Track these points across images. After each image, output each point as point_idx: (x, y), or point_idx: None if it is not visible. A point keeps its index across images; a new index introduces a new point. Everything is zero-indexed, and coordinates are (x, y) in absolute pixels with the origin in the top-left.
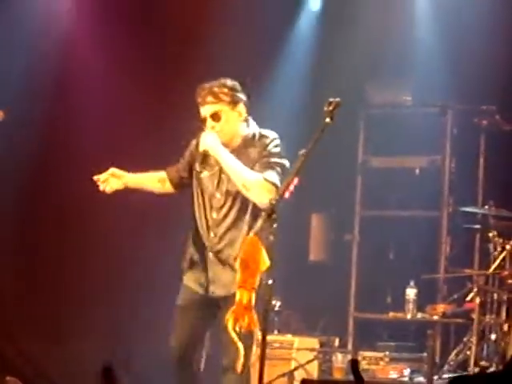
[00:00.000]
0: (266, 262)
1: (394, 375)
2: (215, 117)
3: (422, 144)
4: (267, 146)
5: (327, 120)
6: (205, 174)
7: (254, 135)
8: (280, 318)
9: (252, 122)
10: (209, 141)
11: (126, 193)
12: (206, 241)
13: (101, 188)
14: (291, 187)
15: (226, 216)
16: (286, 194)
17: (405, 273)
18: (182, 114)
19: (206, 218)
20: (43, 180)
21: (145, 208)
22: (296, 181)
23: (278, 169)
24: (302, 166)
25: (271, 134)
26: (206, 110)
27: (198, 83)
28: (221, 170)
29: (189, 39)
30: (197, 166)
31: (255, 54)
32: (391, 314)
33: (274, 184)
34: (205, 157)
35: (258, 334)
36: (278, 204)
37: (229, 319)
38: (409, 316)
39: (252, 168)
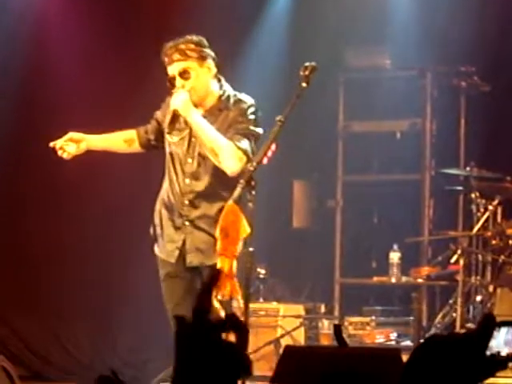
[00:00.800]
0: (246, 229)
1: (380, 339)
2: (184, 74)
3: (402, 107)
4: (243, 111)
5: (303, 85)
6: (174, 138)
7: (228, 97)
8: (265, 286)
9: (226, 84)
10: (179, 100)
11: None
12: (180, 209)
13: (59, 154)
14: (269, 153)
15: (198, 181)
16: (264, 161)
17: (389, 237)
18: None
19: (178, 184)
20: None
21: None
22: (274, 147)
23: (252, 137)
24: (279, 132)
25: (248, 100)
26: (173, 69)
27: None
28: (191, 133)
29: (166, 7)
30: (165, 129)
31: (234, 19)
32: (376, 279)
33: (245, 152)
34: (174, 118)
35: (241, 302)
36: (256, 171)
37: None
38: (393, 280)
39: (225, 133)
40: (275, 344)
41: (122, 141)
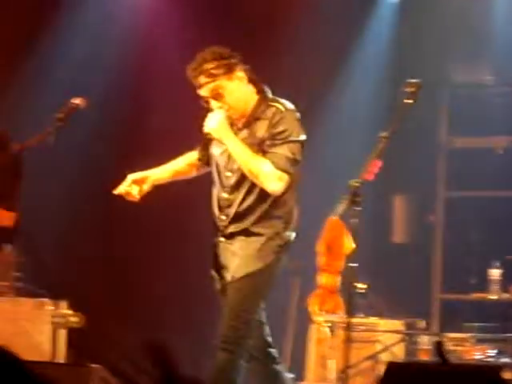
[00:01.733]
0: (350, 245)
1: (479, 356)
2: (217, 96)
3: (504, 123)
4: (282, 118)
5: (408, 101)
6: (216, 150)
7: (266, 103)
8: (365, 301)
9: (265, 88)
10: (213, 122)
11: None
12: (218, 223)
13: (127, 199)
14: (375, 170)
15: (236, 196)
16: (370, 177)
17: (489, 253)
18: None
19: (218, 197)
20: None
21: None
22: (379, 163)
23: (293, 147)
24: (384, 148)
25: (287, 105)
26: (204, 92)
27: (281, 73)
28: None
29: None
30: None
31: (339, 30)
32: (476, 295)
33: (284, 170)
34: (208, 140)
35: (343, 317)
36: (361, 187)
37: (314, 303)
38: (493, 296)
39: (263, 142)
40: (374, 359)
41: (186, 166)
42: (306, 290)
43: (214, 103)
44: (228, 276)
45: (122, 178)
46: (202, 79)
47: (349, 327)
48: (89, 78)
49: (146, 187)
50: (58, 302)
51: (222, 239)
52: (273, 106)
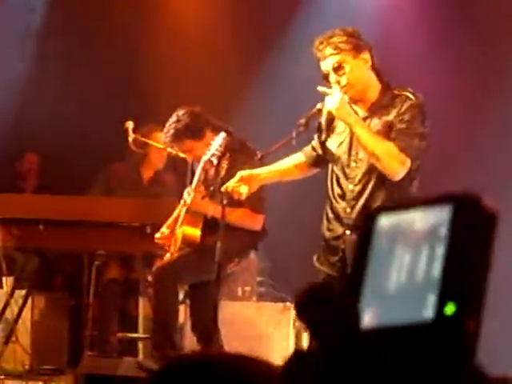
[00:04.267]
0: None
1: None
2: (338, 69)
3: None
4: (409, 109)
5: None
6: (333, 142)
7: (392, 91)
8: None
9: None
10: (334, 101)
11: None
12: (344, 217)
13: (235, 197)
14: None
15: (364, 187)
16: None
17: None
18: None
19: (342, 190)
20: None
21: None
22: None
23: (418, 138)
24: None
25: (415, 95)
26: (326, 64)
27: None
28: (352, 134)
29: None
30: (323, 135)
31: None
32: None
33: (408, 154)
34: (330, 121)
35: None
36: None
37: None
38: None
39: (389, 132)
40: None
41: (293, 167)
42: None
43: (332, 77)
44: None
45: None
46: (328, 50)
47: None
48: None
49: (253, 187)
50: None
51: (348, 233)
52: (401, 94)
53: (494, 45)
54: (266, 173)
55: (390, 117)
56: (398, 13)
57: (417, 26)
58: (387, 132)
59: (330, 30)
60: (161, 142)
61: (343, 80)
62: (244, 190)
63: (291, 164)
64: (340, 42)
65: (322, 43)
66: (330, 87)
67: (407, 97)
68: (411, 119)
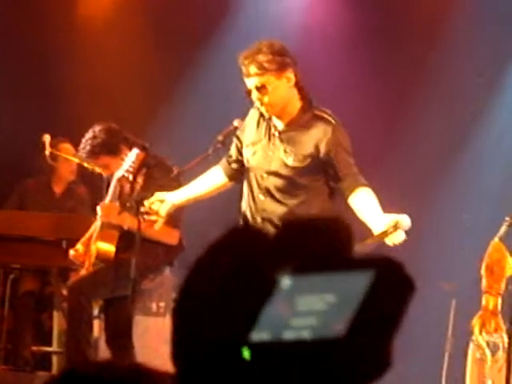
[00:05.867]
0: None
1: None
2: (261, 89)
3: None
4: (336, 131)
5: None
6: (247, 152)
7: (310, 111)
8: None
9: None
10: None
11: None
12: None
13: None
14: None
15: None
16: None
17: None
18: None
19: (254, 200)
20: None
21: None
22: None
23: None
24: None
25: (331, 117)
26: (250, 83)
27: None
28: (267, 145)
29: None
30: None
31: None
32: None
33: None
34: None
35: (505, 338)
36: None
37: (475, 324)
38: None
39: (317, 149)
40: None
41: (212, 187)
42: (461, 311)
43: (255, 95)
44: None
45: None
46: (252, 69)
47: (510, 349)
48: None
49: (171, 209)
50: None
51: None
52: (321, 116)
53: (414, 57)
54: (184, 200)
55: (313, 140)
56: (319, 29)
57: (338, 44)
58: (313, 158)
59: (257, 43)
60: (71, 153)
61: (265, 99)
62: (162, 212)
63: (211, 184)
64: (265, 61)
65: (247, 58)
66: (253, 102)
67: (323, 116)
68: (343, 143)
